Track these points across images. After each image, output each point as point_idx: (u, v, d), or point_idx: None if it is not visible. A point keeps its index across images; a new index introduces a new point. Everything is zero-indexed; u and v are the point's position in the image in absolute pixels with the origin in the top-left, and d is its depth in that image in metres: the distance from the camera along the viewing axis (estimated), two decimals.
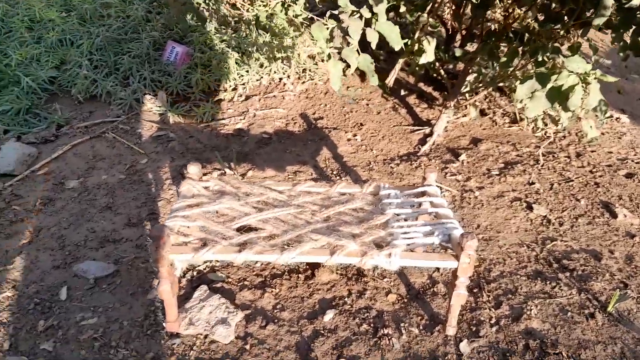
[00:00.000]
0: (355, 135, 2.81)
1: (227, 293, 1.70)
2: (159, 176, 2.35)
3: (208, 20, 3.25)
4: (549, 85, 2.03)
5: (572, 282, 1.86)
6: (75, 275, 1.75)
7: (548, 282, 1.84)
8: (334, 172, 2.48)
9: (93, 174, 2.34)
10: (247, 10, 2.01)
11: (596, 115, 2.66)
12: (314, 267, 1.82)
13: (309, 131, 2.83)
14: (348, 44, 1.97)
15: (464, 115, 3.02)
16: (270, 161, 2.53)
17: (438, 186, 2.39)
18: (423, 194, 1.78)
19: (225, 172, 2.41)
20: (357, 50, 1.93)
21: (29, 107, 2.66)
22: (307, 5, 2.83)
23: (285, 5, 2.13)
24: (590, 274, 1.90)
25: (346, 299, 1.71)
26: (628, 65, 3.62)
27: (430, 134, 2.80)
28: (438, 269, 1.87)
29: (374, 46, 1.99)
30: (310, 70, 3.31)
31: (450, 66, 3.46)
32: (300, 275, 1.81)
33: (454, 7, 2.63)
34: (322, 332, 1.58)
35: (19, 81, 2.79)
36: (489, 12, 2.62)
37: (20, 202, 2.12)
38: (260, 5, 2.05)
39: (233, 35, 3.34)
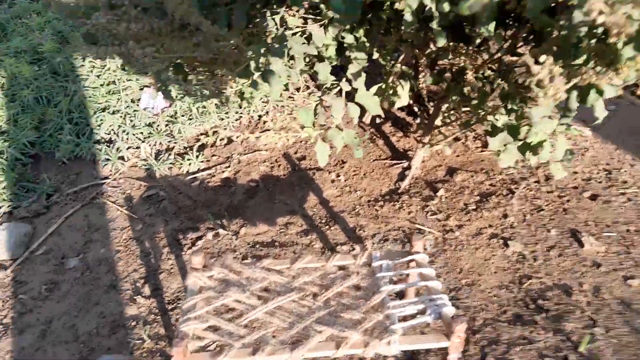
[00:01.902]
0: (338, 175, 2.94)
1: None
2: (155, 244, 2.45)
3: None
4: (520, 140, 2.19)
5: (547, 323, 2.06)
6: None
7: (526, 327, 2.04)
8: (323, 221, 2.61)
9: (91, 249, 2.42)
10: (231, 87, 2.09)
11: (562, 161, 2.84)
12: None
13: (293, 174, 2.95)
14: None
15: (437, 143, 3.17)
16: (261, 214, 2.65)
17: (421, 230, 2.56)
18: (411, 261, 1.94)
19: (218, 232, 2.52)
20: (341, 128, 2.05)
21: (16, 178, 2.70)
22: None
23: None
24: (563, 312, 2.10)
25: None
26: None
27: (409, 168, 2.95)
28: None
29: (355, 121, 2.11)
30: (287, 106, 3.40)
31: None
32: None
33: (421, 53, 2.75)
34: None
35: (1, 151, 2.81)
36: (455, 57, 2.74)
37: (26, 290, 2.20)
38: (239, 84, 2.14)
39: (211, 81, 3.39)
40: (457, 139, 3.23)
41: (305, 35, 1.97)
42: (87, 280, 2.26)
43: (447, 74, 2.91)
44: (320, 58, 2.12)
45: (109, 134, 3.03)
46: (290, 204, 2.73)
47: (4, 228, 2.39)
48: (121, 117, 3.04)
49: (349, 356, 1.98)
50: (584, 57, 1.38)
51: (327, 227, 2.57)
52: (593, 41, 1.31)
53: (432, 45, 2.42)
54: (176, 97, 3.19)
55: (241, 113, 3.30)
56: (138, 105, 3.16)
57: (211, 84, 2.15)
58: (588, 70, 1.28)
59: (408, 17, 1.64)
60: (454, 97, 2.83)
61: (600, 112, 1.53)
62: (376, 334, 1.64)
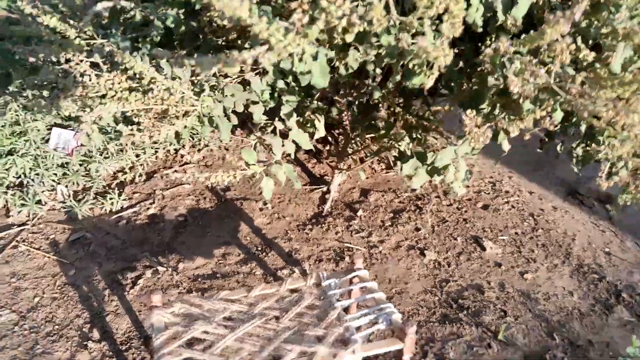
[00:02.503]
0: (265, 203, 3.09)
1: None
2: (93, 287, 2.41)
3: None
4: (428, 166, 2.54)
5: (469, 318, 2.40)
6: None
7: (454, 324, 2.36)
8: (259, 248, 2.74)
9: (23, 298, 2.31)
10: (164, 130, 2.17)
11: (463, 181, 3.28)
12: None
13: (220, 205, 3.05)
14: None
15: (353, 169, 3.47)
16: (195, 247, 2.71)
17: (349, 247, 2.81)
18: (354, 278, 2.16)
19: (157, 269, 2.54)
20: (280, 163, 2.23)
21: None
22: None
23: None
24: (480, 308, 2.47)
25: None
26: None
27: (328, 191, 3.19)
28: None
29: (293, 156, 2.30)
30: (203, 138, 3.49)
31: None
32: None
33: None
34: None
35: None
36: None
37: None
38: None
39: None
40: (362, 161, 3.56)
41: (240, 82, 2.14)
42: (25, 333, 2.16)
43: (355, 108, 3.23)
44: (254, 101, 2.29)
45: (19, 178, 2.88)
46: (222, 235, 2.83)
47: None
48: (31, 159, 2.92)
49: None
50: (490, 106, 1.74)
51: (263, 253, 2.71)
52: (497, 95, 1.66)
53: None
54: (90, 133, 3.14)
55: (157, 148, 3.32)
56: (47, 145, 3.05)
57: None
58: (500, 118, 1.61)
59: (342, 71, 1.89)
60: (361, 128, 3.15)
61: (506, 147, 1.89)
62: (340, 345, 1.83)
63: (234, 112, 2.16)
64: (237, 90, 2.02)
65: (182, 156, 3.37)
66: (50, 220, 2.75)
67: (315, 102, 2.91)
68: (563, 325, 2.42)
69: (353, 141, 3.29)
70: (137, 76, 1.74)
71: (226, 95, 2.01)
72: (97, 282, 2.43)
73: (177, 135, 2.43)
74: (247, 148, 2.12)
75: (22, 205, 2.75)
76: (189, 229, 2.84)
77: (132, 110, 1.88)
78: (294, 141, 2.30)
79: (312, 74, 1.55)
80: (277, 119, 2.30)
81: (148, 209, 2.94)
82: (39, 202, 2.79)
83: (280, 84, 2.23)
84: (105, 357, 2.08)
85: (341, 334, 1.88)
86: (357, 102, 3.02)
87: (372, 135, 3.10)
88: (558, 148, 2.19)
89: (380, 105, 2.78)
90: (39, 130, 3.05)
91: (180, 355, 1.75)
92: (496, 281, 2.65)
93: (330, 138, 3.43)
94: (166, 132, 2.17)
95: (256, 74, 2.11)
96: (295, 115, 2.27)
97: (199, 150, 3.45)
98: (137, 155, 3.22)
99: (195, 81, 2.00)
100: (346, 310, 2.06)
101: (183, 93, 1.82)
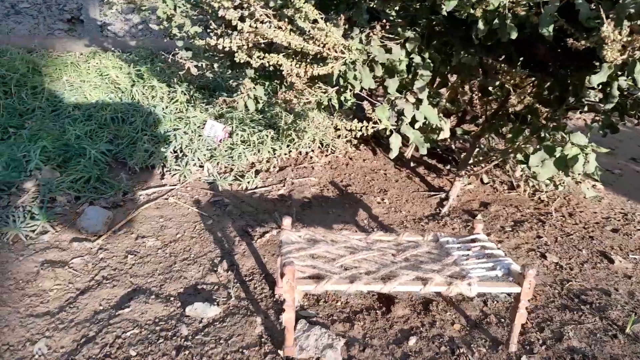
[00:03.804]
0: (382, 199, 3.23)
1: (322, 326, 2.01)
2: (226, 234, 2.66)
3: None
4: (556, 155, 2.55)
5: (593, 311, 2.27)
6: (188, 316, 2.02)
7: (575, 312, 2.25)
8: (375, 230, 2.86)
9: (167, 233, 2.63)
10: (312, 95, 2.45)
11: (591, 179, 3.21)
12: (389, 304, 2.16)
13: (342, 196, 3.24)
14: (399, 121, 2.45)
15: (470, 183, 3.52)
16: (318, 221, 2.89)
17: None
18: (474, 240, 2.19)
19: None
20: (410, 126, 2.41)
21: (97, 176, 2.95)
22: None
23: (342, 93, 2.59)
24: (606, 305, 2.32)
25: (421, 328, 2.05)
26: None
27: (447, 198, 3.26)
28: (486, 304, 2.25)
29: (419, 125, 2.47)
30: (332, 146, 3.78)
31: (452, 142, 4.01)
32: (377, 311, 2.14)
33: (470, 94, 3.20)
34: (410, 353, 1.91)
35: (82, 153, 3.10)
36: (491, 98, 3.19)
37: (112, 256, 2.38)
38: (321, 92, 2.49)
39: (261, 116, 3.81)
40: (484, 182, 3.58)
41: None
42: (167, 255, 2.44)
43: (481, 119, 3.35)
44: (390, 74, 2.52)
45: (176, 152, 3.34)
46: (342, 216, 2.99)
47: (90, 209, 2.60)
48: (189, 138, 3.37)
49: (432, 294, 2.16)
50: None
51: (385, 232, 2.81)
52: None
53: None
54: (235, 127, 3.57)
55: (291, 148, 3.65)
56: (202, 131, 3.51)
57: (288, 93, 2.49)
58: (637, 39, 1.64)
59: (481, 25, 2.07)
60: (489, 137, 3.24)
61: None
62: (456, 279, 1.86)
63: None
64: (380, 51, 2.27)
65: (311, 158, 3.66)
66: (196, 186, 3.13)
67: (443, 102, 3.09)
68: None
69: (475, 157, 3.37)
70: (300, 22, 2.06)
71: (370, 53, 2.26)
72: (229, 231, 2.69)
73: (319, 105, 2.73)
74: (382, 106, 2.33)
75: (176, 170, 3.16)
76: (313, 208, 3.05)
77: (289, 65, 2.19)
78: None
79: None
80: (409, 93, 2.50)
81: (279, 190, 3.22)
82: (189, 171, 3.19)
83: (417, 58, 2.46)
84: (230, 282, 2.27)
85: (457, 272, 1.91)
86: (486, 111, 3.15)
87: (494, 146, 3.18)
88: None
89: (516, 103, 2.88)
90: (196, 117, 3.54)
91: (304, 261, 1.90)
92: (625, 290, 2.48)
93: (452, 151, 3.54)
94: (315, 97, 2.48)
95: (397, 44, 2.36)
96: (427, 90, 2.46)
97: (326, 156, 3.74)
98: (274, 150, 3.57)
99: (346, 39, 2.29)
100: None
101: (337, 39, 2.09)
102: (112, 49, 5.00)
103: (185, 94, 3.81)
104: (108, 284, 2.19)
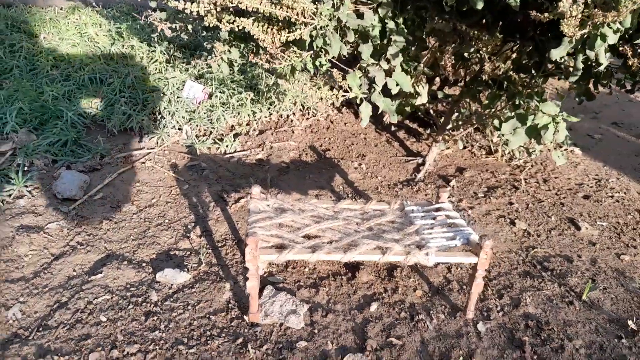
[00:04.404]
0: (360, 164, 3.26)
1: (288, 292, 2.08)
2: (201, 199, 2.71)
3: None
4: (527, 124, 2.57)
5: (553, 278, 2.35)
6: (159, 282, 2.09)
7: (535, 279, 2.33)
8: (350, 195, 2.91)
9: (142, 198, 2.67)
10: (285, 61, 2.43)
11: (560, 146, 3.23)
12: (354, 270, 2.24)
13: (320, 161, 3.27)
14: (371, 89, 2.45)
15: (448, 148, 3.55)
16: (294, 186, 2.94)
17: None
18: (438, 209, 2.24)
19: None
20: (381, 94, 2.41)
21: (74, 139, 2.96)
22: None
23: (316, 58, 2.57)
24: (566, 272, 2.40)
25: (384, 294, 2.13)
26: (575, 107, 4.28)
27: (423, 164, 3.29)
28: (450, 270, 2.33)
29: (394, 92, 2.47)
30: (313, 108, 3.77)
31: (432, 106, 4.00)
32: (343, 277, 2.21)
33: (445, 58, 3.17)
34: (371, 319, 1.99)
35: (59, 115, 3.09)
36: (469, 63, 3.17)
37: (87, 222, 2.42)
38: (295, 56, 2.47)
39: (242, 76, 3.78)
40: (464, 147, 3.61)
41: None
42: (141, 220, 2.49)
43: (461, 83, 3.33)
44: (364, 40, 2.50)
45: (154, 114, 3.34)
46: (318, 181, 3.03)
47: (67, 174, 2.63)
48: (167, 100, 3.36)
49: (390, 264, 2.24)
50: None
51: (353, 200, 2.86)
52: None
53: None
54: (215, 89, 3.55)
55: (272, 111, 3.65)
56: (181, 93, 3.50)
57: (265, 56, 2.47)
58: (597, 13, 1.63)
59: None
60: (466, 100, 3.24)
61: (603, 59, 1.87)
62: (415, 249, 1.92)
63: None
64: (350, 16, 2.24)
65: (291, 121, 3.66)
66: (174, 150, 3.15)
67: (421, 66, 3.07)
68: None
69: (454, 121, 3.37)
70: None
71: (340, 19, 2.23)
72: (205, 196, 2.73)
73: (293, 69, 2.72)
74: (352, 74, 2.33)
75: (154, 133, 3.17)
76: (290, 173, 3.08)
77: (257, 30, 2.17)
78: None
79: None
80: (382, 59, 2.48)
81: (257, 154, 3.24)
82: (166, 133, 3.20)
83: (391, 24, 2.43)
84: (202, 248, 2.33)
85: (417, 241, 1.97)
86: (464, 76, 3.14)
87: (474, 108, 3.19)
88: None
89: (490, 72, 2.87)
90: (175, 78, 3.52)
91: (269, 230, 1.95)
92: (588, 256, 2.56)
93: (434, 114, 3.55)
94: (287, 62, 2.45)
95: (370, 8, 2.33)
96: (400, 56, 2.45)
97: (307, 119, 3.74)
98: (254, 113, 3.57)
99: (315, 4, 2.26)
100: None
101: (305, 3, 2.07)
102: (93, 3, 4.89)
103: (164, 54, 3.77)
104: (82, 249, 2.24)
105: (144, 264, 2.19)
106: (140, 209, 2.58)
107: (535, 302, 2.18)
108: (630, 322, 2.10)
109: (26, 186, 2.58)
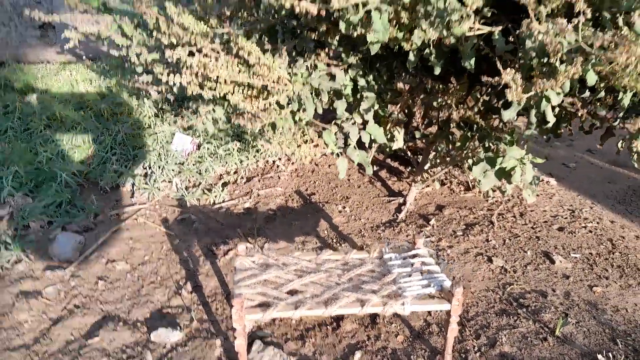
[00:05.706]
0: (344, 207, 3.41)
1: (276, 345, 2.20)
2: (192, 253, 2.84)
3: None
4: (496, 167, 2.73)
5: (528, 315, 2.48)
6: (153, 342, 2.20)
7: (511, 317, 2.46)
8: (334, 240, 3.04)
9: (135, 255, 2.79)
10: (266, 119, 2.59)
11: (531, 184, 3.39)
12: (338, 320, 2.36)
13: (305, 206, 3.41)
14: (347, 143, 2.61)
15: (428, 186, 3.70)
16: (280, 234, 3.07)
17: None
18: (415, 255, 2.38)
19: (246, 246, 2.92)
20: (356, 148, 2.57)
21: (68, 200, 3.10)
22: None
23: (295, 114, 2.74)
24: (541, 308, 2.53)
25: (367, 342, 2.25)
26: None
27: (404, 203, 3.44)
28: (430, 313, 2.45)
29: (367, 145, 2.63)
30: (295, 154, 3.93)
31: (411, 144, 4.17)
32: (328, 327, 2.33)
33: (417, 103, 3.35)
34: None
35: (53, 177, 3.23)
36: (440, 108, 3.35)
37: (83, 284, 2.54)
38: (275, 114, 2.64)
39: (228, 125, 3.94)
40: (443, 183, 3.77)
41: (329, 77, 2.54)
42: (135, 279, 2.61)
43: (434, 126, 3.50)
44: (338, 96, 2.67)
45: (145, 169, 3.48)
46: (304, 227, 3.17)
47: (62, 236, 2.76)
48: (156, 155, 3.51)
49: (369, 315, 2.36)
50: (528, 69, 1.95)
51: (338, 245, 3.00)
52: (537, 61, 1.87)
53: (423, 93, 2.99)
54: (202, 141, 3.71)
55: (258, 158, 3.80)
56: (170, 146, 3.65)
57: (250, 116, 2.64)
58: (538, 82, 1.80)
59: (412, 57, 2.22)
60: (440, 143, 3.40)
61: (550, 117, 2.04)
62: (392, 299, 2.04)
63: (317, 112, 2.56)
64: (323, 79, 2.42)
65: (278, 167, 3.82)
66: (165, 204, 3.28)
67: (396, 112, 3.24)
68: (629, 334, 2.40)
69: (432, 160, 3.54)
70: (246, 56, 2.19)
71: (312, 84, 2.40)
72: (195, 250, 2.86)
73: (274, 126, 2.88)
74: (328, 131, 2.49)
75: (144, 189, 3.31)
76: (277, 220, 3.22)
77: (241, 94, 2.34)
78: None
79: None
80: (356, 113, 2.65)
81: (245, 202, 3.38)
82: (157, 188, 3.34)
83: (362, 81, 2.60)
84: (193, 304, 2.45)
85: (394, 291, 2.10)
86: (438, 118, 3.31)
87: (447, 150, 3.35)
88: (619, 145, 2.29)
89: (458, 119, 3.04)
90: (164, 133, 3.68)
91: (254, 288, 2.07)
92: (562, 290, 2.69)
93: (412, 154, 3.71)
94: (268, 119, 2.61)
95: (341, 69, 2.50)
96: (372, 111, 2.61)
97: (292, 163, 3.89)
98: (241, 161, 3.72)
99: (290, 70, 2.43)
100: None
101: (279, 69, 2.23)
102: (83, 57, 5.07)
103: (152, 108, 3.93)
104: (79, 312, 2.36)
105: (138, 324, 2.30)
106: (134, 267, 2.70)
107: (511, 341, 2.30)
108: (599, 356, 2.23)
109: (24, 251, 2.70)
